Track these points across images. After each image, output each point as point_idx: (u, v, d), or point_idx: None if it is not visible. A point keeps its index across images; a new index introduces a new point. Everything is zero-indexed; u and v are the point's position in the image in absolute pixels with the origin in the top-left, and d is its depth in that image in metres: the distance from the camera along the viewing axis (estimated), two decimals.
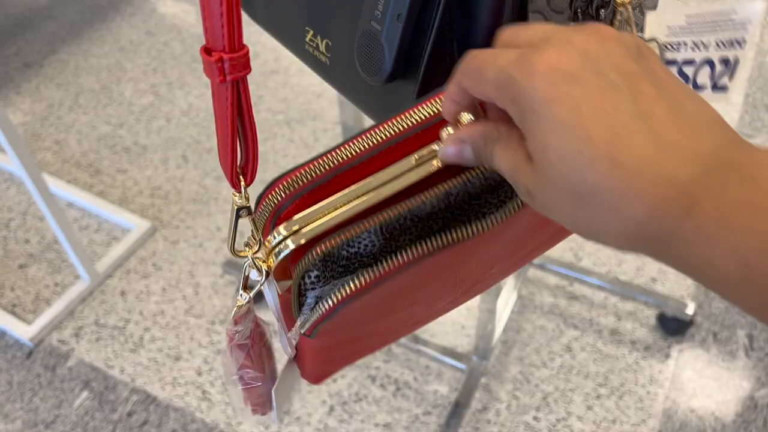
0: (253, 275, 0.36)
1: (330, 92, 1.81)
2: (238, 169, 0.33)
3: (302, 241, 0.33)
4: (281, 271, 0.36)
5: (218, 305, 1.35)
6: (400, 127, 0.34)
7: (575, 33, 0.26)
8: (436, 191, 0.33)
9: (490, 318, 1.16)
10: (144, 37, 2.03)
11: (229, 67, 0.28)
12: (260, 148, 1.68)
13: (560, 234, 0.47)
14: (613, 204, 0.24)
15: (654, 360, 1.25)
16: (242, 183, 0.33)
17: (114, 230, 1.50)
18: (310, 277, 0.34)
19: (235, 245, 0.35)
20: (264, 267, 0.35)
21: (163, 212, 1.54)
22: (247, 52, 0.29)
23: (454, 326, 1.31)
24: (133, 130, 1.74)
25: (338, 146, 0.34)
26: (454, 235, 0.34)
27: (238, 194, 0.33)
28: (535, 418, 1.18)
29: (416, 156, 0.34)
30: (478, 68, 0.28)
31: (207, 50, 0.29)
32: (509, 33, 0.30)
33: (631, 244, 0.25)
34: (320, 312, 0.34)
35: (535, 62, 0.25)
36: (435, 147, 0.34)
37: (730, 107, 1.76)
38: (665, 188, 0.23)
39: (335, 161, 0.33)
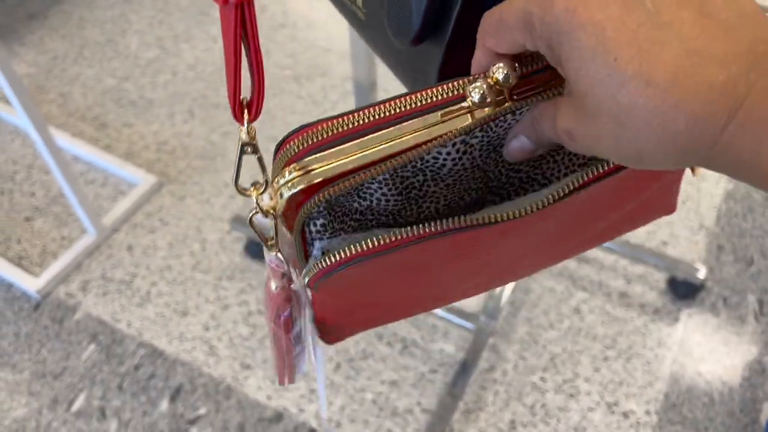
0: (259, 219, 0.35)
1: (339, 47, 1.78)
2: (241, 101, 0.31)
3: (313, 182, 0.31)
4: (291, 221, 0.34)
5: (225, 261, 1.35)
6: (435, 98, 0.32)
7: None
8: (448, 136, 0.31)
9: None
10: None
11: None
12: (267, 105, 1.65)
13: (604, 235, 0.45)
14: (653, 122, 0.23)
15: (663, 323, 1.24)
16: (246, 117, 0.31)
17: (120, 184, 1.49)
18: (315, 224, 0.33)
19: (240, 183, 0.34)
20: (270, 210, 0.33)
21: (169, 167, 1.52)
22: None
23: None
24: (138, 83, 1.71)
25: (368, 106, 0.32)
26: (485, 217, 0.32)
27: (242, 128, 0.32)
28: (542, 379, 1.18)
29: (443, 111, 0.32)
30: (498, 21, 0.28)
31: None
32: None
33: (681, 159, 0.25)
34: (322, 266, 0.33)
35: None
36: (465, 104, 0.32)
37: None
38: (704, 94, 0.22)
39: (363, 120, 0.32)
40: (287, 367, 0.43)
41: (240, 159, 0.32)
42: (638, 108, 0.23)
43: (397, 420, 1.14)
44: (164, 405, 1.16)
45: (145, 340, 1.24)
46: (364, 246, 0.32)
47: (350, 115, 0.32)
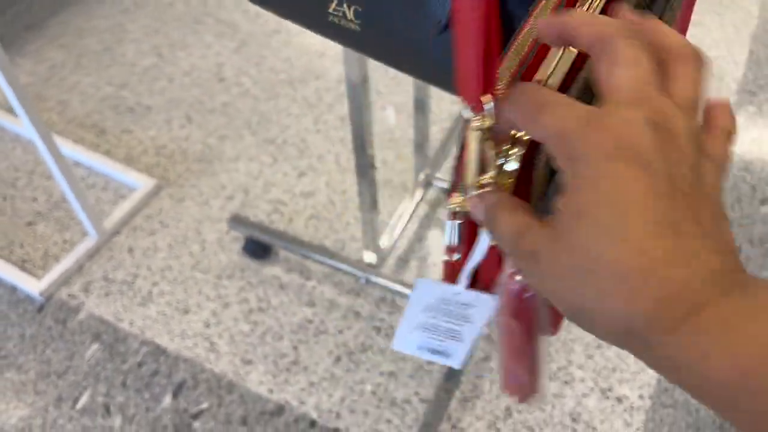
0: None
1: (332, 51, 1.81)
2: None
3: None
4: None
5: (225, 260, 1.37)
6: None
7: (650, 101, 0.26)
8: None
9: None
10: None
11: None
12: (262, 108, 1.69)
13: None
14: (619, 291, 0.25)
15: None
16: (487, 98, 0.30)
17: (120, 189, 1.52)
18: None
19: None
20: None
21: (168, 171, 1.55)
22: None
23: None
24: (136, 90, 1.75)
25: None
26: None
27: (479, 114, 0.30)
28: None
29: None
30: (538, 108, 0.28)
31: None
32: (590, 27, 0.29)
33: (619, 336, 0.26)
34: None
35: (601, 132, 0.26)
36: None
37: (733, 66, 1.76)
38: (675, 288, 0.24)
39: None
40: (536, 375, 0.41)
41: (480, 148, 0.31)
42: (616, 274, 0.25)
43: (396, 410, 1.16)
44: (167, 400, 1.19)
45: (148, 338, 1.27)
46: None
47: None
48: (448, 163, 1.54)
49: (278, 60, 1.81)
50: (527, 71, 0.32)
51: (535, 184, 0.33)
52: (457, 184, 0.35)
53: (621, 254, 0.25)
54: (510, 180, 0.32)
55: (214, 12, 1.96)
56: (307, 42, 1.85)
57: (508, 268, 0.37)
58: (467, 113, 0.30)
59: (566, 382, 1.19)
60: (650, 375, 1.19)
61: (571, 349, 1.22)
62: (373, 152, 1.08)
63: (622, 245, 0.25)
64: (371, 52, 0.50)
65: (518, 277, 0.36)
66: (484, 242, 0.36)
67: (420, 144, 1.37)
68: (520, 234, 0.28)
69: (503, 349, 0.40)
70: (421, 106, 1.29)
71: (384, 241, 1.31)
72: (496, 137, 0.31)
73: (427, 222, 1.44)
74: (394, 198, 1.48)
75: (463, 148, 0.33)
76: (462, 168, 0.33)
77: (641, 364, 1.20)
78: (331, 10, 0.49)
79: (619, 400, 1.17)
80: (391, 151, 1.57)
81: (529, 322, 0.38)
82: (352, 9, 0.48)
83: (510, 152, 0.31)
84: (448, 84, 0.47)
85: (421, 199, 1.44)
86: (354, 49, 0.52)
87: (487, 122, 0.30)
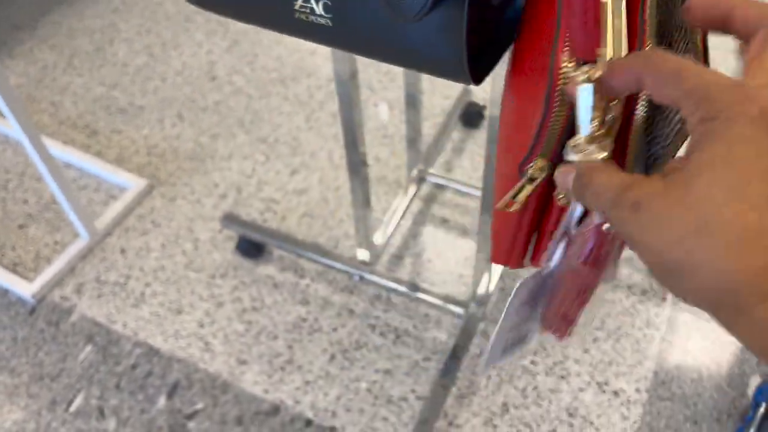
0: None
1: (323, 49, 1.80)
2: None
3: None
4: None
5: (218, 259, 1.36)
6: None
7: None
8: None
9: (487, 266, 1.17)
10: None
11: None
12: (255, 106, 1.68)
13: None
14: (729, 249, 0.24)
15: (650, 303, 1.26)
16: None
17: (112, 189, 1.51)
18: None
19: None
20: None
21: (160, 170, 1.54)
22: None
23: (452, 275, 1.32)
24: (128, 90, 1.73)
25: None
26: None
27: (590, 67, 0.31)
28: (533, 362, 1.20)
29: None
30: (676, 71, 0.28)
31: None
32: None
33: (711, 296, 0.26)
34: None
35: (749, 98, 0.26)
36: None
37: (727, 55, 1.75)
38: None
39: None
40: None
41: (595, 99, 0.31)
42: (732, 228, 0.24)
43: (392, 408, 1.15)
44: (162, 401, 1.18)
45: (141, 339, 1.26)
46: None
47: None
48: (442, 159, 1.53)
49: (270, 58, 1.80)
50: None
51: (630, 144, 0.34)
52: (537, 149, 0.35)
53: (740, 213, 0.24)
54: (612, 131, 0.33)
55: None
56: (298, 40, 1.83)
57: (595, 219, 0.37)
58: (571, 71, 0.32)
59: (562, 377, 1.18)
60: (647, 368, 1.18)
61: (567, 344, 1.21)
62: (365, 149, 1.07)
63: (744, 204, 0.24)
64: (345, 45, 0.49)
65: (606, 226, 0.36)
66: (576, 210, 0.37)
67: (412, 140, 1.36)
68: (625, 187, 0.28)
69: (560, 291, 0.40)
70: (412, 102, 1.29)
71: (377, 238, 1.30)
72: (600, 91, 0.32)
73: (421, 218, 1.43)
74: (388, 194, 1.47)
75: (548, 113, 0.35)
76: (545, 133, 0.34)
77: (638, 357, 1.20)
78: (297, 7, 0.47)
79: (616, 393, 1.16)
80: (385, 148, 1.56)
81: (600, 269, 0.39)
82: (320, 3, 0.47)
83: (610, 105, 0.33)
84: (429, 68, 0.45)
85: (415, 195, 1.44)
86: (326, 44, 0.50)
87: (598, 73, 0.31)
